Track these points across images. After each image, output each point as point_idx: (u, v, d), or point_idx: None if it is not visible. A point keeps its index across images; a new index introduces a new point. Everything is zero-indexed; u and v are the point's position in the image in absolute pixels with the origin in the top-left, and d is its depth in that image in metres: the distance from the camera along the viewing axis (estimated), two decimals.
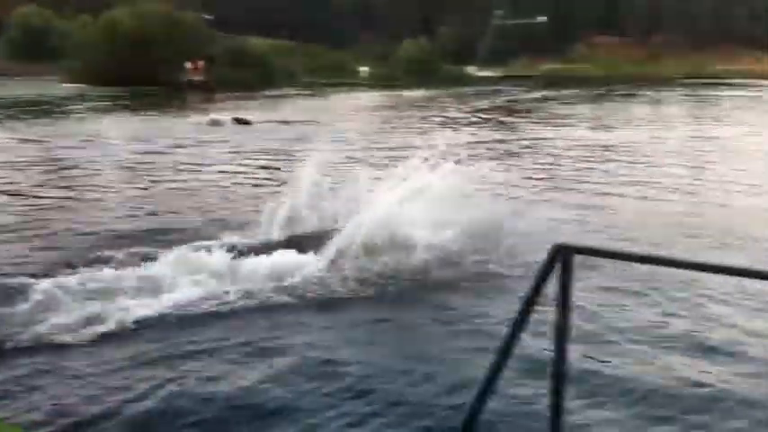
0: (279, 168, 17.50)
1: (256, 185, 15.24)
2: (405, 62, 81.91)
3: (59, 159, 18.48)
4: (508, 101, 46.41)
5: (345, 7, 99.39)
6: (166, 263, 8.67)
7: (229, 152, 20.24)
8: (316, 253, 8.88)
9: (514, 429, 5.36)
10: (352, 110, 37.69)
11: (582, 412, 5.55)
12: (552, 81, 72.16)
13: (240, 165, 18.15)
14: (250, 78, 51.43)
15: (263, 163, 18.45)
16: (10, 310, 7.19)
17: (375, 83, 69.53)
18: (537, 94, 52.10)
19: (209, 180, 15.87)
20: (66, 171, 16.98)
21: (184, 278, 8.19)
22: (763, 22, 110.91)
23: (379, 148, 21.40)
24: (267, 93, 49.43)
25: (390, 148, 21.62)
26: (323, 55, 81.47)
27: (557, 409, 2.54)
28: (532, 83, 67.91)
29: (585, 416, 5.53)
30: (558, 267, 2.42)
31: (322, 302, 7.87)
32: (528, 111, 38.54)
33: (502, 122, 31.96)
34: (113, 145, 21.25)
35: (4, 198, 13.57)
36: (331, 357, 6.44)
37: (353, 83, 68.66)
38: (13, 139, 22.13)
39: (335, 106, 40.01)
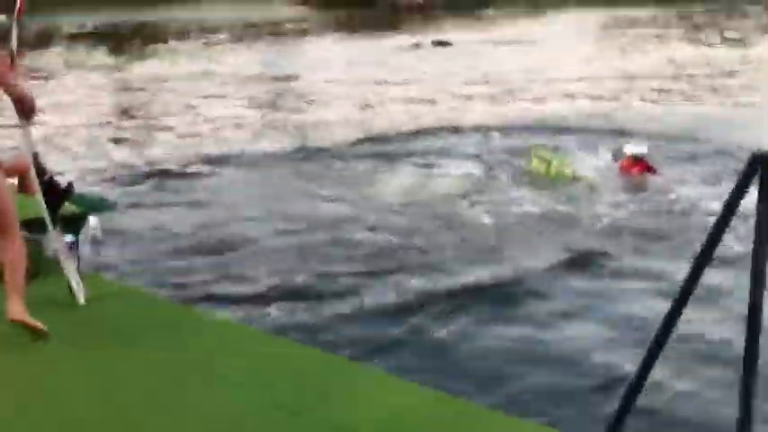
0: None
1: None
2: None
3: (282, 78, 20.28)
4: None
5: None
6: None
7: (425, 73, 20.81)
8: None
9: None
10: (573, 31, 34.97)
11: None
12: None
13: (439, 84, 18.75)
14: None
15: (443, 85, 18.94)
16: None
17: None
18: None
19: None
20: (290, 89, 18.85)
21: None
22: None
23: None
24: (486, 13, 47.64)
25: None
26: None
27: (748, 392, 1.93)
28: None
29: None
30: (755, 182, 1.89)
31: None
32: None
33: None
34: (325, 65, 22.56)
35: (241, 111, 15.64)
36: None
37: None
38: (239, 59, 23.80)
39: (552, 26, 37.47)
